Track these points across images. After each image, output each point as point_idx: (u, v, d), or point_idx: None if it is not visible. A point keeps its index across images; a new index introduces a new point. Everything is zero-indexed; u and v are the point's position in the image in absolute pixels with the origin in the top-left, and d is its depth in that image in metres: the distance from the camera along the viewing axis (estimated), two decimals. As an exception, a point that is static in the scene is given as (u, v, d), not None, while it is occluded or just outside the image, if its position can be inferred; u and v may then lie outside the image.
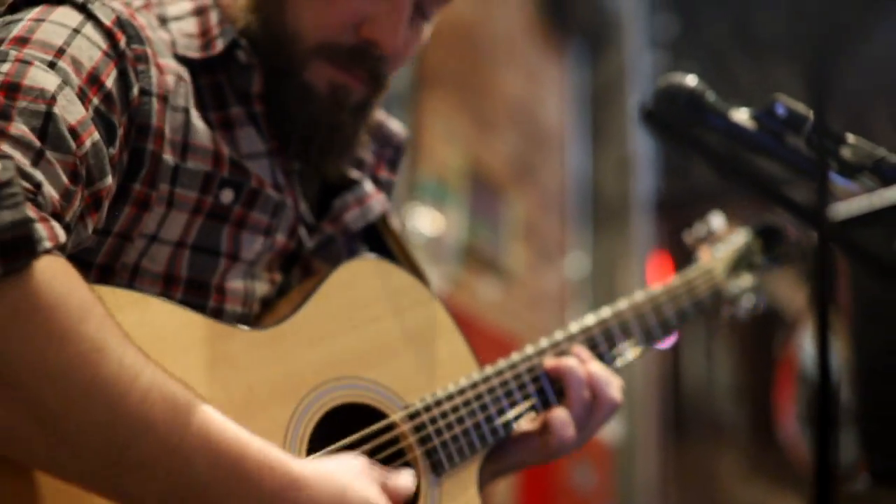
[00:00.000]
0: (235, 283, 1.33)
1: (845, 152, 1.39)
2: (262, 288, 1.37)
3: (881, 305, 2.02)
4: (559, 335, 1.53)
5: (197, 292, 1.29)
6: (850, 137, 1.40)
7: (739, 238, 1.84)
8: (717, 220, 1.86)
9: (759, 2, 6.54)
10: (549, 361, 1.48)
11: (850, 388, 2.02)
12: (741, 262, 1.81)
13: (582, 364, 1.48)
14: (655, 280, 3.45)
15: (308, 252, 1.43)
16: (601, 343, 1.55)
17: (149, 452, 1.02)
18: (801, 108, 1.40)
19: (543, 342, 1.51)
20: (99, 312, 1.03)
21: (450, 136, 5.38)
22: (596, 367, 1.49)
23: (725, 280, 1.77)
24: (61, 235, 1.04)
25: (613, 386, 1.48)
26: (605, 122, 6.66)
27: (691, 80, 1.40)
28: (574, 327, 1.55)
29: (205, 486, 1.05)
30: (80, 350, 0.99)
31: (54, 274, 1.00)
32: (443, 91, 5.36)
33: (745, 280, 1.81)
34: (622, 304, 1.61)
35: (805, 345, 6.77)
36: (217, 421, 1.07)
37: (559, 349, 1.51)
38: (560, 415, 1.45)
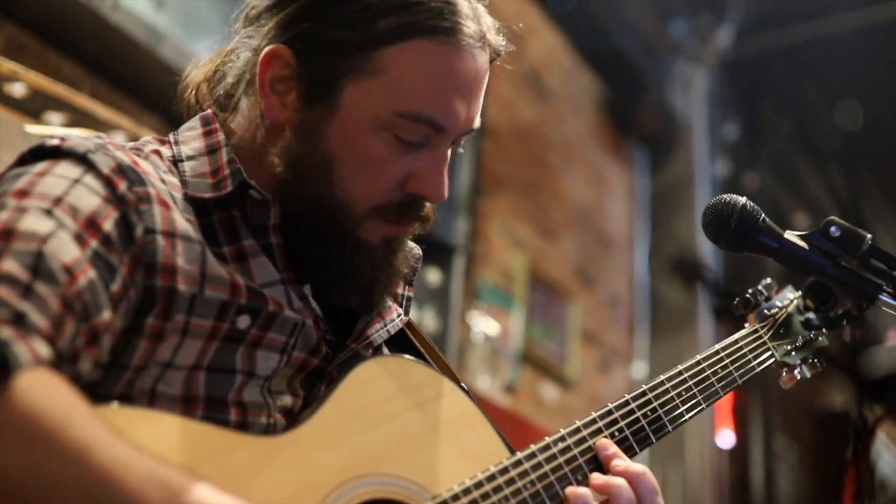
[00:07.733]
0: (254, 397, 1.35)
1: (901, 274, 1.38)
2: (283, 400, 1.39)
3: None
4: (591, 419, 1.48)
5: (216, 408, 1.32)
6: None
7: (788, 296, 1.77)
8: (766, 283, 1.78)
9: (821, 109, 6.53)
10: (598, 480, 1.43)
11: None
12: (792, 322, 1.74)
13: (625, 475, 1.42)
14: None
15: (333, 368, 1.45)
16: (636, 424, 1.50)
17: None
18: (856, 229, 1.40)
19: (573, 427, 1.46)
20: (82, 415, 1.08)
21: (512, 240, 5.42)
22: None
23: (774, 339, 1.71)
24: (43, 351, 1.09)
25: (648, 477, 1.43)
26: (669, 227, 6.64)
27: (742, 200, 1.40)
28: (613, 407, 1.50)
29: None
30: (68, 451, 1.04)
31: (34, 386, 1.06)
32: (505, 196, 5.42)
33: (798, 339, 1.74)
34: (664, 377, 1.56)
35: (882, 451, 6.56)
36: (215, 498, 1.10)
37: (588, 434, 1.46)
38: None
